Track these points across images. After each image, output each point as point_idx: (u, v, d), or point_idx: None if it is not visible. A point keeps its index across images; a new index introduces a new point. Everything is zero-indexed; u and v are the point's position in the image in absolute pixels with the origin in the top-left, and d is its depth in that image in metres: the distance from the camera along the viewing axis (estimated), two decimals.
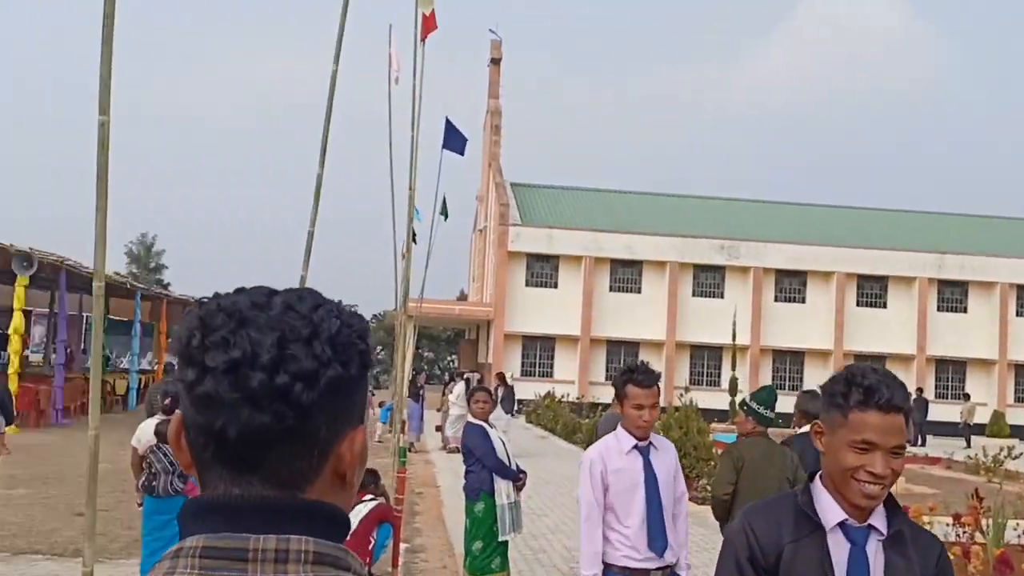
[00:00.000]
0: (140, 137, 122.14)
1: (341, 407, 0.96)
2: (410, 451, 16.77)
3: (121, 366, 34.98)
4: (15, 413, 19.58)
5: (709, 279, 44.54)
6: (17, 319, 21.41)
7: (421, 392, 23.32)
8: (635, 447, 4.53)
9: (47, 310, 36.15)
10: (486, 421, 7.60)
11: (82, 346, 38.57)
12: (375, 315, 66.81)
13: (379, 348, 72.35)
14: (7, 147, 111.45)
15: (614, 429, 6.02)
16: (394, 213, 12.99)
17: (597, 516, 4.46)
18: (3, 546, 8.83)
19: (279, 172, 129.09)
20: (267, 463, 0.94)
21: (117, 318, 32.84)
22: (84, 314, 37.50)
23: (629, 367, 4.62)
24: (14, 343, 21.65)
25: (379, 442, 21.43)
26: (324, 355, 0.94)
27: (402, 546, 8.95)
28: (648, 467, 4.52)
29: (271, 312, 0.94)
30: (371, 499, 7.54)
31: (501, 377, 22.17)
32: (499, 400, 18.69)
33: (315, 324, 0.94)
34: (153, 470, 7.05)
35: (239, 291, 0.99)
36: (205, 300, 0.98)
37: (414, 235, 18.33)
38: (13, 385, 19.98)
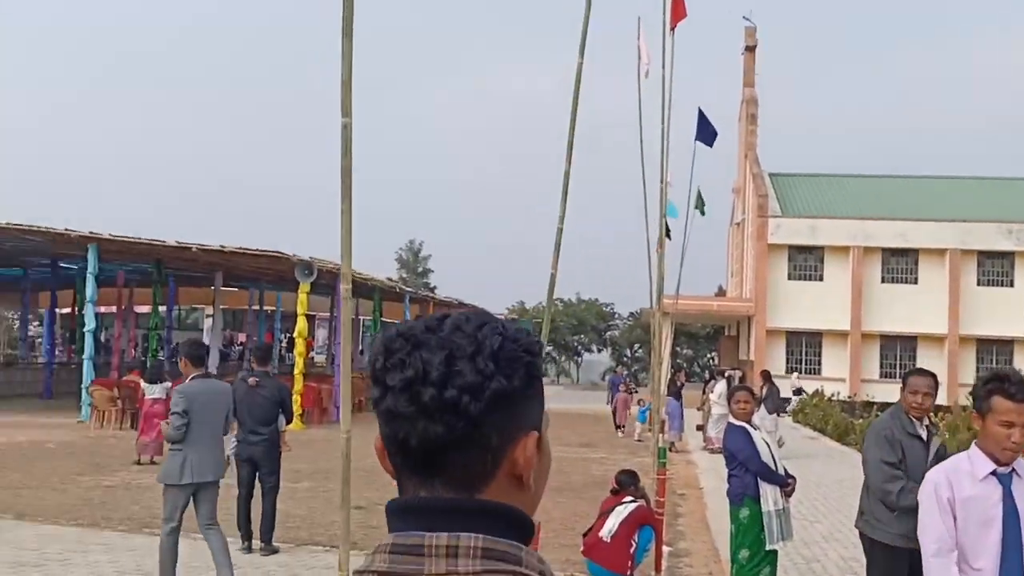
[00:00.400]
0: (405, 147, 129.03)
1: (509, 416, 1.05)
2: (670, 451, 16.44)
3: None
4: (301, 411, 21.21)
5: (996, 266, 40.85)
6: (301, 323, 23.09)
7: (681, 390, 22.90)
8: (993, 473, 3.72)
9: (328, 315, 38.95)
10: (748, 422, 7.21)
11: (360, 348, 41.20)
12: (631, 313, 66.72)
13: (636, 346, 72.23)
14: (294, 161, 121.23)
15: (886, 431, 5.46)
16: (646, 208, 12.70)
17: (950, 550, 3.73)
18: (288, 537, 9.42)
19: (529, 173, 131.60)
20: (445, 468, 1.05)
21: (389, 320, 34.74)
22: (361, 318, 40.00)
23: (996, 374, 3.80)
24: (298, 345, 23.36)
25: (638, 441, 21.28)
26: (487, 369, 1.03)
27: (665, 549, 8.70)
28: (1008, 499, 3.70)
29: (441, 333, 1.05)
30: (631, 501, 7.35)
31: (766, 375, 21.29)
32: (763, 399, 17.96)
33: (479, 341, 1.04)
34: None
35: (419, 318, 1.11)
36: (390, 327, 1.11)
37: (668, 230, 17.93)
38: (299, 385, 21.58)
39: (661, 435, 14.09)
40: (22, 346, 37.28)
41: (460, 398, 1.01)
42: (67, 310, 38.07)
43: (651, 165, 12.51)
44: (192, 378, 7.47)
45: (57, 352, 34.81)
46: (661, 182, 12.48)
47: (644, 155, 12.55)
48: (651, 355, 20.33)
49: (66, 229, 21.93)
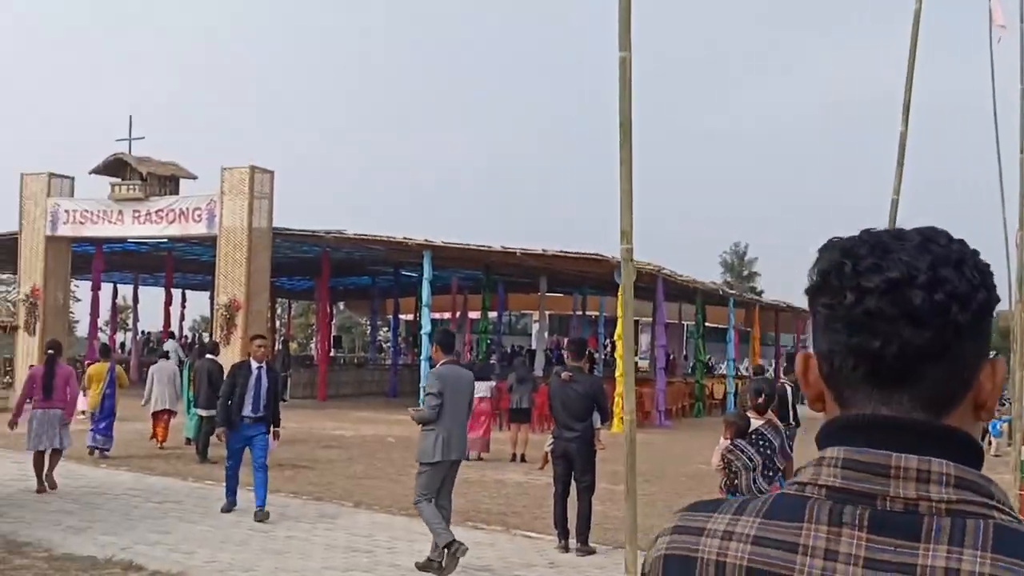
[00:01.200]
0: (728, 146, 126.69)
1: (984, 333, 1.01)
2: None
3: (718, 371, 36.15)
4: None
5: None
6: (620, 326, 23.06)
7: None
8: None
9: (651, 319, 38.82)
10: None
11: (684, 352, 40.71)
12: None
13: (992, 353, 65.34)
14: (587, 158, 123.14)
15: None
16: (1002, 188, 11.20)
17: None
18: (605, 539, 9.17)
19: (856, 162, 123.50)
20: (916, 383, 0.98)
21: (713, 325, 33.95)
22: (683, 323, 39.51)
23: None
24: (619, 348, 23.36)
25: (996, 456, 19.13)
26: (975, 279, 0.99)
27: None
28: None
29: (912, 242, 0.99)
30: None
31: None
32: None
33: (960, 252, 0.99)
34: (733, 468, 6.72)
35: (864, 231, 1.04)
36: (834, 239, 1.04)
37: None
38: (620, 388, 21.51)
39: (1023, 448, 12.34)
40: (371, 349, 40.64)
41: (949, 304, 0.96)
42: (409, 316, 41.00)
43: (1006, 138, 11.01)
44: (442, 363, 8.01)
45: (401, 354, 37.48)
46: (1022, 152, 10.99)
47: (998, 127, 11.08)
48: (1009, 361, 18.09)
49: (404, 238, 23.48)
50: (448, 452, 7.78)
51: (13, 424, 11.67)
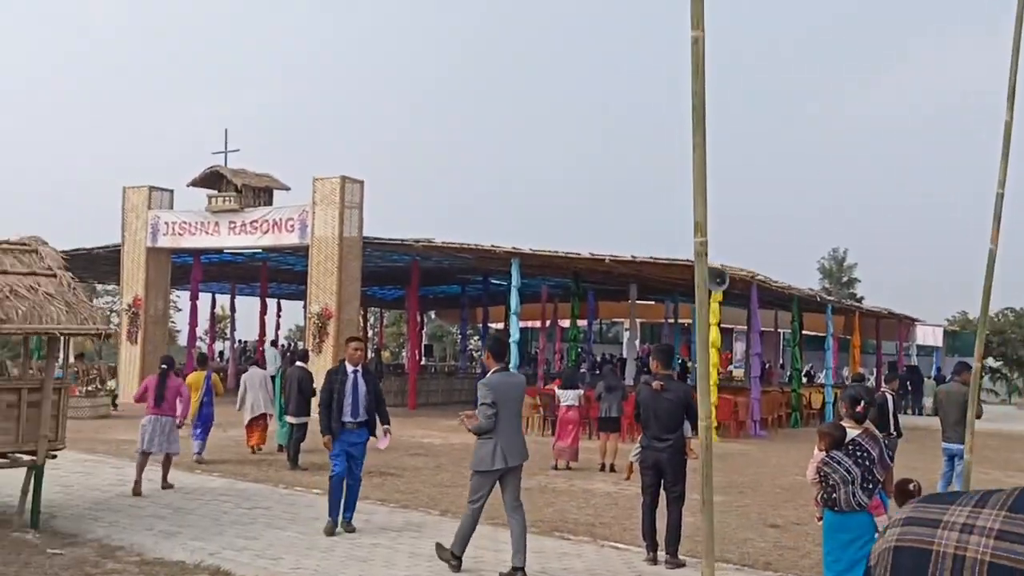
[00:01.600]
0: (827, 149, 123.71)
1: None
2: None
3: (818, 380, 35.15)
4: (716, 424, 20.62)
5: None
6: (713, 333, 22.54)
7: None
8: None
9: (745, 327, 38.03)
10: None
11: (780, 361, 39.74)
12: None
13: None
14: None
15: None
16: None
17: None
18: (697, 551, 8.81)
19: (959, 162, 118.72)
20: None
21: (811, 333, 33.03)
22: (780, 331, 38.56)
23: None
24: (712, 357, 22.84)
25: None
26: None
27: None
28: None
29: None
30: None
31: None
32: None
33: None
34: (830, 482, 6.36)
35: None
36: None
37: None
38: (712, 397, 21.03)
39: None
40: (462, 357, 40.72)
41: None
42: (500, 325, 41.01)
43: None
44: (494, 371, 8.07)
45: None
46: None
47: None
48: None
49: (492, 245, 23.41)
50: (508, 459, 7.94)
51: (136, 396, 12.82)
